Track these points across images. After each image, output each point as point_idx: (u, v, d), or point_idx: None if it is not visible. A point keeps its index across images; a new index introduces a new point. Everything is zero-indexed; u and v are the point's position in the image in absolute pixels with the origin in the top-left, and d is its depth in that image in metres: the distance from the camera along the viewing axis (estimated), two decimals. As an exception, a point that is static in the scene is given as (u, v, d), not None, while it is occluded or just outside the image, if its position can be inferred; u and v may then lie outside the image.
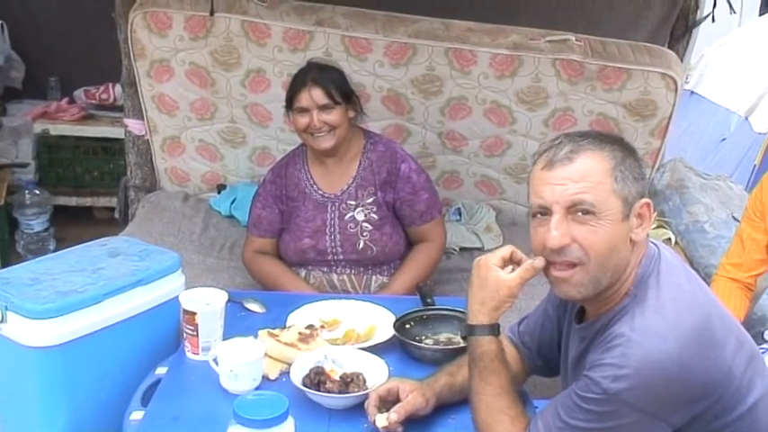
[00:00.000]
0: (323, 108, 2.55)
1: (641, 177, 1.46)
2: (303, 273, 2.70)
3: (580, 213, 1.42)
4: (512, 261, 1.62)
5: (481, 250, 3.37)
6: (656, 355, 1.34)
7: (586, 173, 1.42)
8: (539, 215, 1.48)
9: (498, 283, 1.57)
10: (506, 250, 1.61)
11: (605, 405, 1.36)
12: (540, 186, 1.47)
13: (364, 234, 2.63)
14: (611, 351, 1.37)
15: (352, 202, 2.65)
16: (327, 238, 2.65)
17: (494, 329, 1.58)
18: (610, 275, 1.45)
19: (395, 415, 1.60)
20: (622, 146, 1.48)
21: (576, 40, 3.21)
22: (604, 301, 1.50)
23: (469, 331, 1.60)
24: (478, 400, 1.56)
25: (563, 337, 1.71)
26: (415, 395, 1.66)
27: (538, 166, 1.49)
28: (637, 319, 1.39)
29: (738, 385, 1.41)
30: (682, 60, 3.50)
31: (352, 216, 2.64)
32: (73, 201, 4.73)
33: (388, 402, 1.66)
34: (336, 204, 2.66)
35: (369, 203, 2.65)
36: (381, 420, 1.60)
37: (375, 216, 2.64)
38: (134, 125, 3.56)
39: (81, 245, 2.12)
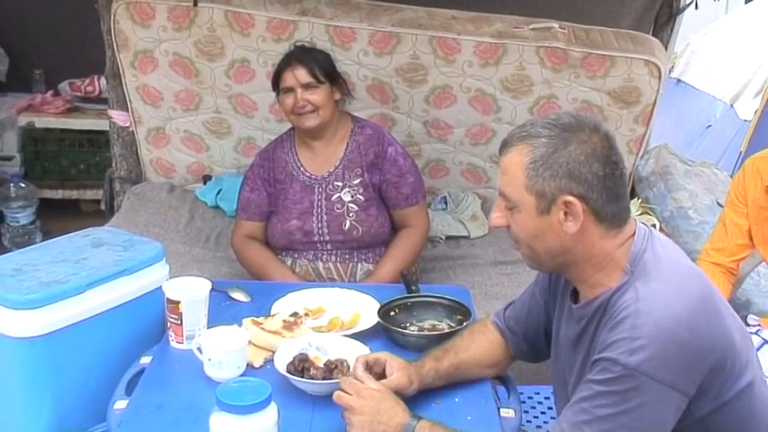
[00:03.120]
0: (306, 87, 2.57)
1: (568, 173, 1.43)
2: (289, 261, 2.71)
3: (506, 202, 1.53)
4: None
5: (467, 239, 3.39)
6: (666, 321, 1.35)
7: (507, 167, 1.51)
8: None
9: (375, 406, 1.55)
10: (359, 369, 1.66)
11: (627, 382, 1.35)
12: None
13: (350, 215, 2.65)
14: (621, 326, 1.38)
15: (339, 183, 2.67)
16: (314, 219, 2.66)
17: (411, 421, 1.53)
18: (549, 259, 1.53)
19: (363, 372, 1.64)
20: (569, 137, 1.45)
21: (560, 27, 3.22)
22: (595, 282, 1.51)
23: None
24: None
25: (554, 319, 1.72)
26: (400, 374, 1.67)
27: None
28: (641, 290, 1.41)
29: (738, 357, 1.43)
30: (666, 48, 3.52)
31: (339, 197, 2.66)
32: (59, 194, 4.71)
33: (372, 373, 1.68)
34: (323, 186, 2.68)
35: (355, 185, 2.66)
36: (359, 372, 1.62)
37: (361, 197, 2.66)
38: (119, 117, 3.55)
39: (64, 236, 2.12)
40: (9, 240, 4.34)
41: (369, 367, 1.70)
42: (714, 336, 1.39)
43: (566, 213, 1.46)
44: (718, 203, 3.39)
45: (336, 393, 1.58)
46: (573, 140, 1.45)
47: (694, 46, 5.86)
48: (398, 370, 1.68)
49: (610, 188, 1.45)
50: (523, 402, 2.09)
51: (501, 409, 1.74)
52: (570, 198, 1.45)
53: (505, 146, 1.52)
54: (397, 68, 3.26)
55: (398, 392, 1.63)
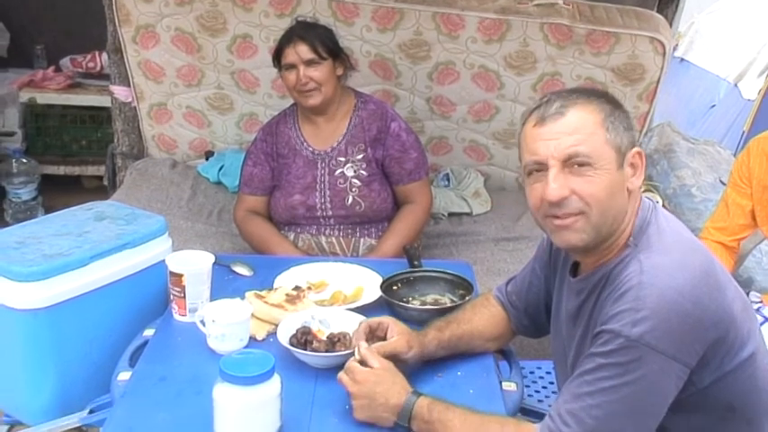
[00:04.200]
0: (309, 63, 2.55)
1: (630, 128, 1.48)
2: (292, 236, 2.71)
3: (576, 165, 1.43)
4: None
5: (470, 215, 3.39)
6: (669, 294, 1.35)
7: (578, 125, 1.44)
8: (534, 172, 1.49)
9: (371, 390, 1.54)
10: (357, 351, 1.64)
11: (630, 353, 1.34)
12: (534, 143, 1.47)
13: (353, 190, 2.65)
14: (624, 298, 1.38)
15: (342, 159, 2.67)
16: (317, 194, 2.66)
17: (410, 398, 1.53)
18: (610, 223, 1.47)
19: (364, 344, 1.64)
20: (609, 99, 1.50)
21: (564, 3, 3.20)
22: (602, 253, 1.51)
23: (406, 423, 1.52)
24: None
25: (554, 293, 1.72)
26: (399, 339, 1.68)
27: (529, 123, 1.49)
28: (644, 263, 1.40)
29: (739, 330, 1.43)
30: (671, 25, 3.49)
31: (342, 172, 2.66)
32: (61, 170, 4.70)
33: (374, 337, 1.70)
34: (326, 161, 2.68)
35: (358, 160, 2.66)
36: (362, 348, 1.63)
37: (364, 172, 2.66)
38: (120, 92, 3.54)
39: (66, 209, 2.12)
40: (11, 216, 4.34)
41: (372, 331, 1.71)
42: (716, 308, 1.39)
43: (632, 168, 1.47)
44: (721, 182, 3.39)
45: (338, 376, 1.59)
46: (614, 102, 1.49)
47: (698, 25, 5.83)
48: (398, 334, 1.69)
49: (648, 154, 1.49)
50: (525, 377, 2.09)
51: (503, 383, 1.75)
52: (639, 149, 1.47)
53: (561, 109, 1.44)
54: (400, 44, 3.24)
55: (397, 357, 1.64)
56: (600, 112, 1.45)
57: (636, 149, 1.48)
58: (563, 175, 1.44)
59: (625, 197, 1.47)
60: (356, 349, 1.64)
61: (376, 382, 1.54)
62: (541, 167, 1.47)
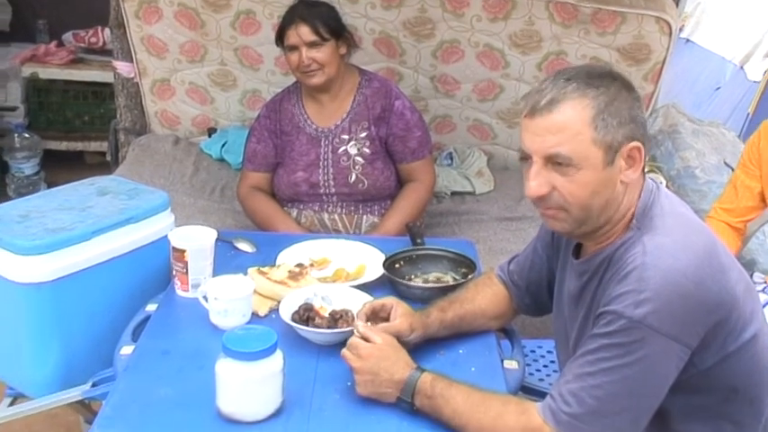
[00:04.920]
0: (311, 45, 2.54)
1: (631, 119, 1.42)
2: (295, 213, 2.71)
3: (558, 164, 1.42)
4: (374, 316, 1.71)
5: (473, 195, 3.38)
6: (672, 275, 1.34)
7: (565, 124, 1.40)
8: (523, 160, 1.49)
9: (374, 365, 1.54)
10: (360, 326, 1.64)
11: (632, 334, 1.34)
12: (523, 134, 1.46)
13: (356, 167, 2.64)
14: (627, 279, 1.37)
15: (346, 137, 2.66)
16: (320, 171, 2.66)
17: (413, 373, 1.52)
18: (597, 215, 1.45)
19: (361, 324, 1.64)
20: (613, 85, 1.43)
21: (571, -19, 3.17)
22: (602, 237, 1.50)
23: (409, 399, 1.52)
24: (468, 420, 1.46)
25: (557, 273, 1.72)
26: (402, 320, 1.68)
27: (525, 110, 1.47)
28: (647, 244, 1.39)
29: (742, 312, 1.43)
30: (677, 5, 3.46)
31: (345, 150, 2.65)
32: (63, 145, 4.70)
33: (378, 318, 1.70)
34: (330, 138, 2.67)
35: (362, 138, 2.65)
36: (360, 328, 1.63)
37: (367, 150, 2.65)
38: (123, 67, 3.52)
39: (69, 184, 2.11)
40: (14, 191, 4.34)
41: (375, 312, 1.71)
42: (719, 289, 1.38)
43: (626, 161, 1.44)
44: (726, 163, 3.38)
45: (342, 352, 1.59)
46: (621, 87, 1.44)
47: (705, 5, 5.78)
48: (401, 316, 1.69)
49: (652, 135, 1.45)
50: (526, 356, 2.10)
51: (504, 362, 1.75)
52: (636, 144, 1.43)
53: (549, 105, 1.40)
54: (404, 22, 3.22)
55: (399, 339, 1.64)
56: (591, 109, 1.40)
57: (633, 144, 1.42)
58: (545, 171, 1.43)
59: (615, 190, 1.45)
60: (355, 328, 1.64)
61: (380, 357, 1.54)
62: (528, 159, 1.46)
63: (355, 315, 1.73)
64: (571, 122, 1.40)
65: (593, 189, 1.42)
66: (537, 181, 1.44)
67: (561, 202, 1.44)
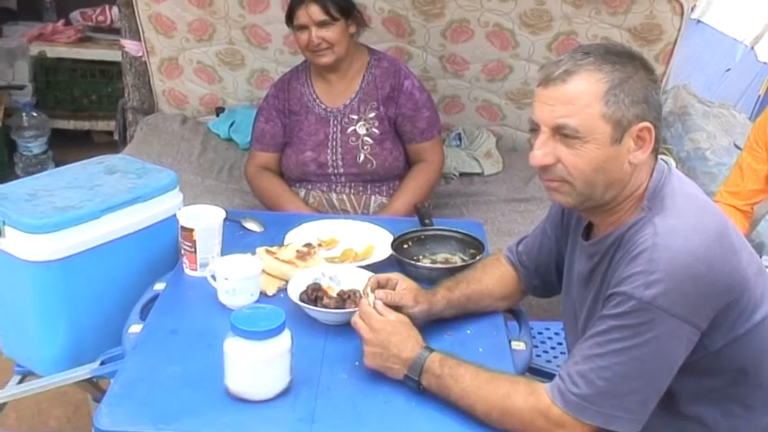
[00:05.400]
0: (321, 24, 2.53)
1: (644, 100, 1.41)
2: (303, 192, 2.71)
3: (564, 136, 1.41)
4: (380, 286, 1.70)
5: (481, 176, 3.37)
6: (683, 256, 1.34)
7: (576, 96, 1.39)
8: (533, 131, 1.49)
9: (385, 339, 1.53)
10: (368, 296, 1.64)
11: (641, 315, 1.33)
12: (536, 103, 1.46)
13: (365, 148, 2.64)
14: (637, 260, 1.36)
15: (355, 116, 2.65)
16: (329, 151, 2.65)
17: (422, 352, 1.52)
18: (601, 193, 1.45)
19: (373, 297, 1.62)
20: (631, 64, 1.42)
21: (582, -39, 3.14)
22: (612, 217, 1.49)
23: (416, 377, 1.51)
24: (476, 400, 1.45)
25: (566, 255, 1.71)
26: (406, 292, 1.68)
27: (540, 80, 1.47)
28: (658, 225, 1.38)
29: (753, 293, 1.42)
30: (689, -15, 3.43)
31: (354, 130, 2.64)
32: (71, 124, 4.70)
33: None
34: (339, 118, 2.66)
35: (371, 118, 2.64)
36: (368, 298, 1.62)
37: (376, 131, 2.64)
38: (131, 46, 3.51)
39: (77, 162, 2.11)
40: (22, 170, 4.35)
41: (380, 285, 1.70)
42: (730, 271, 1.38)
43: (636, 142, 1.42)
44: (736, 145, 3.36)
45: (353, 319, 1.59)
46: (638, 67, 1.42)
47: (716, -14, 5.73)
48: (406, 289, 1.69)
49: (662, 117, 1.44)
50: (534, 338, 2.10)
51: (512, 342, 1.75)
52: (647, 124, 1.41)
53: (564, 75, 1.40)
54: (413, 1, 3.19)
55: (403, 311, 1.64)
56: (605, 83, 1.39)
57: (643, 124, 1.41)
58: (552, 142, 1.43)
59: (622, 170, 1.43)
60: (366, 296, 1.64)
61: (392, 332, 1.54)
62: (537, 128, 1.46)
63: (362, 290, 1.72)
64: (582, 95, 1.39)
65: (597, 165, 1.41)
66: (542, 150, 1.44)
67: (564, 174, 1.44)
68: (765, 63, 4.85)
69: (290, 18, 2.61)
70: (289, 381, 1.49)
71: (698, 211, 1.43)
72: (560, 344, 2.24)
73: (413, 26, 3.29)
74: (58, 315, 1.82)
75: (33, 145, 4.38)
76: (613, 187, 1.45)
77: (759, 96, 4.75)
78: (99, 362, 1.77)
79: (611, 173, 1.43)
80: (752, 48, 5.08)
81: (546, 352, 2.22)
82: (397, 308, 1.65)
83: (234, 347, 1.44)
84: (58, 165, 4.34)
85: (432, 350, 1.53)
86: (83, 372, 1.77)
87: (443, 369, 1.49)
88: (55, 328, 1.83)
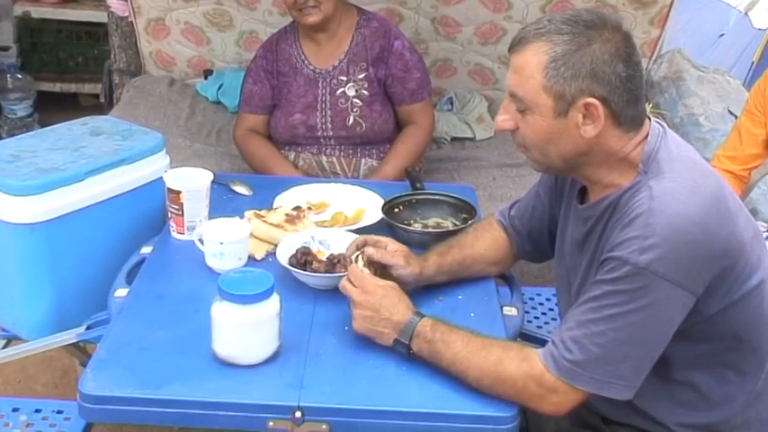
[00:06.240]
0: None
1: (592, 74, 1.36)
2: (293, 155, 2.67)
3: (518, 104, 1.44)
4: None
5: (473, 140, 3.34)
6: (679, 221, 1.32)
7: (522, 66, 1.42)
8: None
9: (377, 302, 1.51)
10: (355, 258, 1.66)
11: (636, 281, 1.32)
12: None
13: (354, 110, 2.60)
14: (633, 224, 1.34)
15: (344, 78, 2.61)
16: (318, 113, 2.61)
17: (413, 317, 1.50)
18: (559, 162, 1.46)
19: (362, 262, 1.63)
20: (585, 35, 1.38)
21: None
22: (606, 180, 1.47)
23: (407, 341, 1.49)
24: (468, 366, 1.43)
25: (560, 219, 1.69)
26: (398, 254, 1.67)
27: None
28: (654, 189, 1.36)
29: (749, 258, 1.40)
30: (685, -53, 3.39)
31: (343, 91, 2.60)
32: (57, 87, 4.64)
33: (372, 266, 1.66)
34: (327, 80, 2.62)
35: (360, 79, 2.60)
36: (356, 262, 1.62)
37: (366, 92, 2.60)
38: (117, 5, 3.45)
39: (62, 123, 2.07)
40: (7, 132, 4.29)
41: (369, 244, 1.69)
42: (726, 235, 1.36)
43: (584, 116, 1.40)
44: (730, 111, 3.33)
45: (342, 283, 1.56)
46: (596, 38, 1.38)
47: (711, -50, 5.67)
48: (397, 250, 1.68)
49: (630, 90, 1.39)
50: (525, 303, 2.08)
51: (504, 308, 1.74)
52: (591, 100, 1.38)
53: (519, 43, 1.42)
54: (406, -39, 3.15)
55: (394, 271, 1.64)
56: (546, 55, 1.37)
57: (588, 99, 1.37)
58: (512, 108, 1.46)
59: (575, 142, 1.42)
60: (356, 259, 1.62)
61: (384, 295, 1.52)
62: None
63: (347, 251, 1.70)
64: (527, 65, 1.41)
65: (545, 136, 1.43)
66: (504, 116, 1.48)
67: (521, 140, 1.48)
68: (759, 29, 4.81)
69: None
70: (277, 345, 1.48)
71: (695, 175, 1.40)
72: (552, 310, 2.22)
73: (404, -14, 3.23)
74: (42, 278, 1.80)
75: (18, 107, 4.32)
76: (572, 159, 1.45)
77: (753, 63, 4.72)
78: (85, 326, 1.76)
79: (562, 145, 1.43)
80: (746, 13, 5.04)
81: (537, 318, 2.20)
82: (385, 274, 1.64)
83: (221, 311, 1.42)
84: (43, 128, 4.28)
85: (423, 315, 1.51)
86: (68, 336, 1.76)
87: (435, 334, 1.47)
88: (40, 292, 1.80)
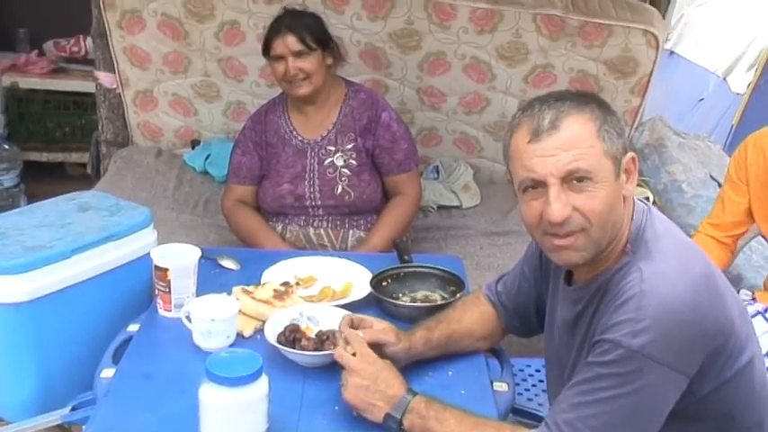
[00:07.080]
0: (297, 54, 2.52)
1: (623, 133, 1.43)
2: (280, 227, 2.68)
3: (576, 181, 1.38)
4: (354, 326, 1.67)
5: (459, 209, 3.36)
6: (670, 302, 1.32)
7: (576, 139, 1.37)
8: (530, 189, 1.42)
9: (375, 373, 1.52)
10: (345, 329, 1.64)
11: (629, 364, 1.31)
12: (530, 160, 1.40)
13: (343, 179, 2.62)
14: (625, 307, 1.34)
15: (332, 148, 2.64)
16: (306, 183, 2.63)
17: (407, 393, 1.50)
18: (609, 234, 1.42)
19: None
20: (599, 103, 1.44)
21: (558, -6, 3.16)
22: (599, 262, 1.47)
23: (399, 416, 1.48)
24: None
25: (547, 299, 1.69)
26: (386, 329, 1.67)
27: (520, 136, 1.42)
28: (645, 270, 1.37)
29: (739, 335, 1.40)
30: (664, 17, 3.46)
31: (332, 161, 2.63)
32: (44, 156, 4.62)
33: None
34: (316, 150, 2.65)
35: (348, 149, 2.63)
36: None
37: (354, 162, 2.63)
38: (105, 78, 3.48)
39: (49, 199, 2.07)
40: (-7, 203, 4.27)
41: (354, 326, 1.67)
42: (717, 314, 1.36)
43: (628, 174, 1.43)
44: (712, 177, 3.38)
45: (338, 351, 1.55)
46: (602, 103, 1.44)
47: (688, 17, 5.81)
48: (386, 329, 1.67)
49: (639, 149, 1.45)
50: (515, 375, 2.07)
51: (494, 384, 1.72)
52: (633, 154, 1.42)
53: (553, 126, 1.37)
54: (390, 33, 3.20)
55: (385, 348, 1.64)
56: (594, 121, 1.39)
57: (630, 155, 1.43)
58: (564, 193, 1.38)
59: (621, 206, 1.43)
60: (345, 338, 1.61)
61: (382, 367, 1.52)
62: (539, 185, 1.40)
63: (338, 328, 1.68)
64: (582, 136, 1.38)
65: (609, 203, 1.39)
66: (560, 203, 1.37)
67: (582, 222, 1.39)
68: (738, 94, 4.92)
69: (266, 49, 2.60)
70: (266, 428, 1.45)
71: (683, 255, 1.41)
72: (542, 381, 2.21)
73: (390, 59, 3.28)
74: (27, 358, 1.77)
75: (5, 178, 4.30)
76: (615, 228, 1.43)
77: (732, 126, 4.81)
78: (70, 407, 1.72)
79: (617, 211, 1.42)
80: (724, 78, 5.15)
81: (527, 389, 2.19)
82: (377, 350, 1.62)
83: (209, 394, 1.40)
84: (30, 198, 4.27)
85: (416, 393, 1.50)
86: (53, 418, 1.71)
87: (429, 411, 1.46)
88: (24, 372, 1.78)
